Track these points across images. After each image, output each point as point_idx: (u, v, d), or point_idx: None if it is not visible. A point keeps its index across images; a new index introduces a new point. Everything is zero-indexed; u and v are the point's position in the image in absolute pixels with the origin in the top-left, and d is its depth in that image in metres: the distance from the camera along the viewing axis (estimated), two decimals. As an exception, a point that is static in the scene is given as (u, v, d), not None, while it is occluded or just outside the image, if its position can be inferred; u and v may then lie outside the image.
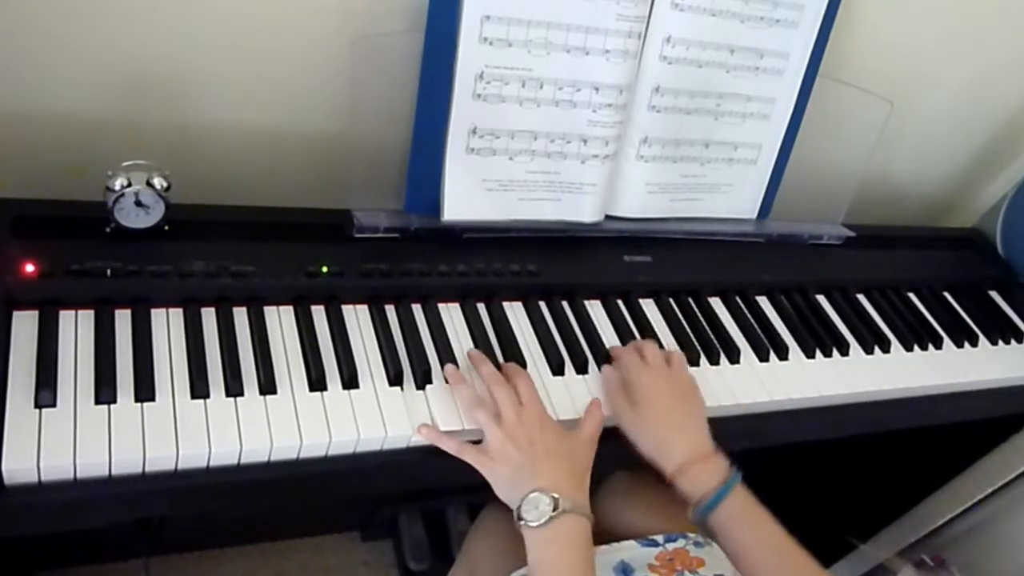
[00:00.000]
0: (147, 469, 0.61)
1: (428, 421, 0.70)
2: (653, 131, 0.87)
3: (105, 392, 0.63)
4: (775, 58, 0.89)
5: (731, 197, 0.98)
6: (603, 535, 0.89)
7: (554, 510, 0.62)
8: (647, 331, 0.86)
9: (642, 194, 0.91)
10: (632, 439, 0.74)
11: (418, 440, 0.69)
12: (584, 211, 0.88)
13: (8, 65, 0.74)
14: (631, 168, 0.89)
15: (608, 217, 0.91)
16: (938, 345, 1.01)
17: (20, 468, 0.57)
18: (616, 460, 0.73)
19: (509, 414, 0.68)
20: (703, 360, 0.86)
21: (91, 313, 0.68)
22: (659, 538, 0.83)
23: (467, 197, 0.82)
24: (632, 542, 0.83)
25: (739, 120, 0.92)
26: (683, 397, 0.77)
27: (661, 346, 0.83)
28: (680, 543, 0.83)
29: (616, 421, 0.75)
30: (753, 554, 0.70)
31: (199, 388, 0.65)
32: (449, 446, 0.68)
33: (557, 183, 0.85)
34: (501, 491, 0.66)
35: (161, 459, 0.61)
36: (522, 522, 0.63)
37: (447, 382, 0.72)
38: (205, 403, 0.65)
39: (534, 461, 0.65)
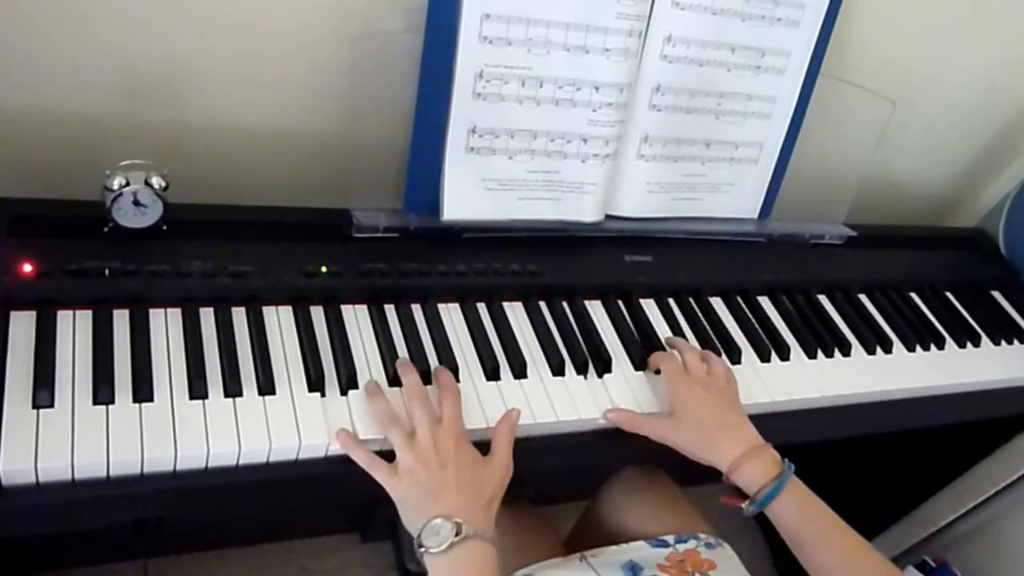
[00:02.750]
0: (145, 470, 0.60)
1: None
2: (654, 130, 0.87)
3: (103, 392, 0.62)
4: (776, 57, 0.89)
5: (732, 196, 0.97)
6: (609, 533, 0.89)
7: (456, 535, 0.60)
8: (647, 331, 0.86)
9: (643, 193, 0.91)
10: (679, 448, 0.73)
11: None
12: (584, 211, 0.88)
13: (6, 64, 0.73)
14: (632, 167, 0.89)
15: (608, 217, 0.91)
16: (940, 345, 1.01)
17: (18, 469, 0.57)
18: (625, 457, 0.72)
19: (424, 435, 0.64)
20: (704, 360, 0.85)
21: (89, 313, 0.68)
22: (670, 539, 0.83)
23: (467, 196, 0.82)
24: (642, 542, 0.82)
25: (740, 119, 0.91)
26: (722, 396, 0.76)
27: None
28: (691, 544, 0.82)
29: (659, 438, 0.74)
30: (815, 544, 0.70)
31: (197, 388, 0.65)
32: (360, 457, 0.65)
33: (557, 182, 0.85)
34: (405, 514, 0.64)
35: (159, 460, 0.60)
36: (422, 549, 0.60)
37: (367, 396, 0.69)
38: (204, 403, 0.65)
39: (441, 487, 0.62)
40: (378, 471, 0.65)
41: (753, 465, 0.71)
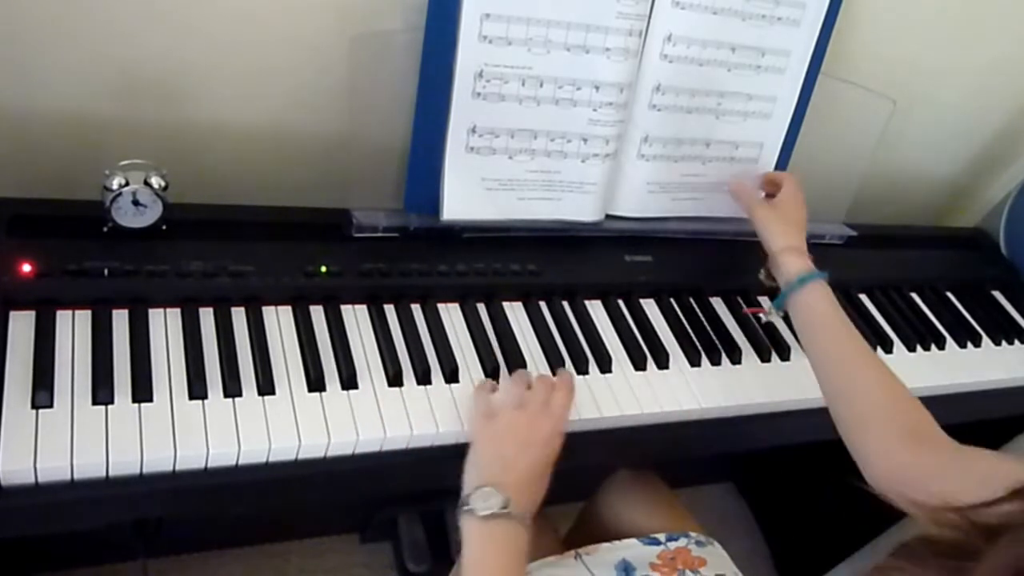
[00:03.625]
0: (145, 470, 0.60)
1: (428, 422, 0.69)
2: (654, 130, 0.87)
3: (102, 393, 0.62)
4: (777, 56, 0.89)
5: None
6: (605, 533, 0.89)
7: (502, 508, 0.61)
8: (648, 331, 0.86)
9: (643, 193, 0.91)
10: (759, 221, 0.84)
11: (417, 442, 0.69)
12: (585, 210, 0.88)
13: (4, 63, 0.73)
14: (632, 167, 0.89)
15: (609, 216, 0.91)
16: (941, 345, 1.00)
17: (17, 469, 0.57)
18: (621, 459, 0.72)
19: (533, 408, 0.68)
20: (704, 360, 0.85)
21: (88, 313, 0.68)
22: (661, 536, 0.83)
23: (467, 196, 0.82)
24: (634, 540, 0.83)
25: (740, 119, 0.91)
26: (804, 212, 0.85)
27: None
28: (682, 542, 0.83)
29: (749, 211, 0.86)
30: (824, 329, 0.74)
31: (197, 389, 0.65)
32: (479, 394, 0.70)
33: (557, 182, 0.84)
34: (472, 461, 0.65)
35: (159, 460, 0.60)
36: (467, 507, 0.61)
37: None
38: (203, 404, 0.65)
39: (514, 461, 0.64)
40: (480, 402, 0.69)
41: (794, 257, 0.78)
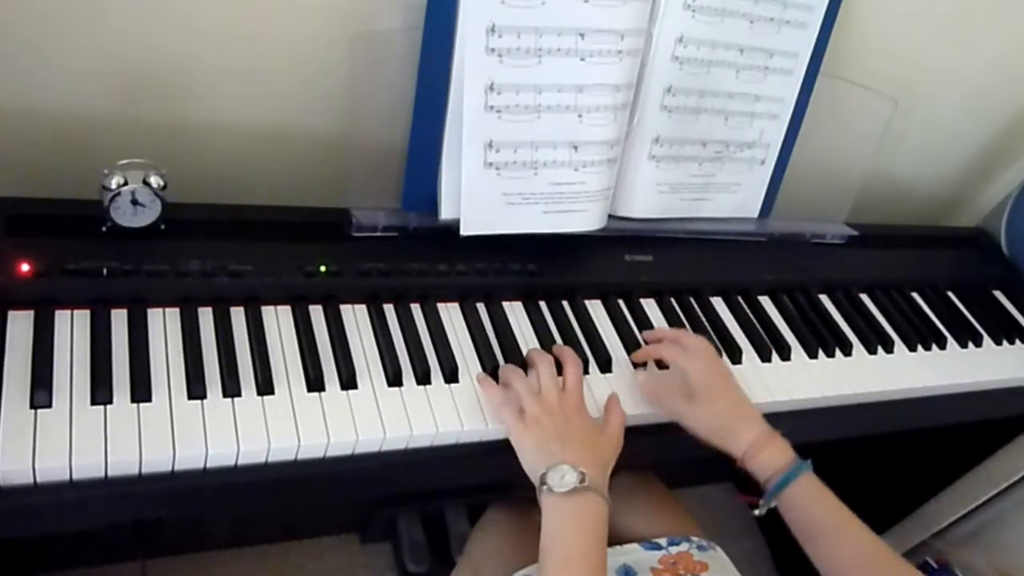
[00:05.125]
0: (144, 471, 0.60)
1: (428, 422, 0.69)
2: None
3: (101, 393, 0.62)
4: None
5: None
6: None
7: (580, 483, 0.62)
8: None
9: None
10: (694, 431, 0.74)
11: (416, 442, 0.68)
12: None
13: (2, 62, 0.73)
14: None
15: (610, 216, 0.91)
16: (942, 345, 1.00)
17: (16, 469, 0.57)
18: (620, 460, 0.72)
19: (550, 392, 0.69)
20: (705, 360, 0.85)
21: (87, 313, 0.67)
22: (662, 541, 0.83)
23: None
24: (635, 545, 0.82)
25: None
26: (730, 380, 0.77)
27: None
28: (684, 546, 0.82)
29: (675, 417, 0.75)
30: (828, 539, 0.70)
31: (196, 389, 0.65)
32: (493, 395, 0.71)
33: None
34: (526, 458, 0.67)
35: (158, 460, 0.60)
36: (545, 487, 0.63)
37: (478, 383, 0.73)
38: (202, 404, 0.64)
39: (567, 436, 0.66)
40: (507, 413, 0.69)
41: (769, 451, 0.72)
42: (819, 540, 0.70)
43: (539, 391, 0.70)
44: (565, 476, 0.63)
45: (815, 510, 0.70)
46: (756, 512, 0.73)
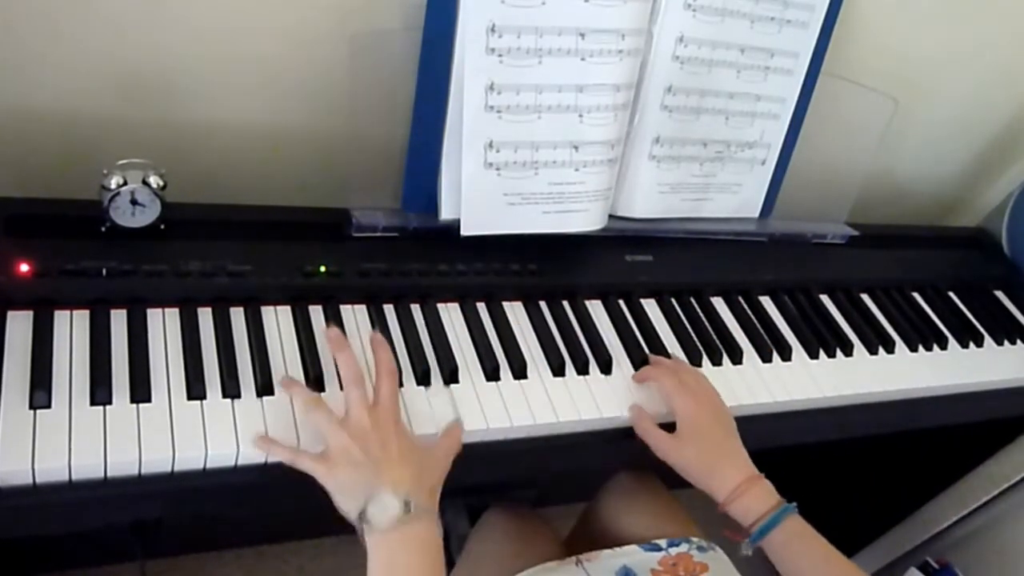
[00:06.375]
0: (143, 471, 0.60)
1: (427, 423, 0.69)
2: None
3: (101, 393, 0.62)
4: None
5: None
6: (605, 539, 0.89)
7: (405, 512, 0.57)
8: (649, 331, 0.85)
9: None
10: (679, 469, 0.72)
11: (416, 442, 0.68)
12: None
13: (2, 62, 0.73)
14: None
15: (610, 216, 0.90)
16: (943, 346, 1.00)
17: (15, 470, 0.56)
18: (621, 460, 0.72)
19: (359, 414, 0.61)
20: (705, 361, 0.85)
21: (86, 313, 0.67)
22: (662, 542, 0.83)
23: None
24: (635, 547, 0.82)
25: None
26: (720, 418, 0.75)
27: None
28: (684, 548, 0.82)
29: (661, 455, 0.73)
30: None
31: (195, 389, 0.65)
32: (281, 453, 0.61)
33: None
34: (342, 500, 0.59)
35: (157, 461, 0.60)
36: (367, 524, 0.57)
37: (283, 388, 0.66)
38: (202, 404, 0.64)
39: (385, 461, 0.59)
40: (304, 461, 0.60)
41: (751, 496, 0.70)
42: None
43: (344, 415, 0.62)
44: (388, 508, 0.56)
45: (800, 552, 0.69)
46: (742, 554, 0.72)
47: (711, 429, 0.73)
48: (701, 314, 0.90)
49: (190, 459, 0.61)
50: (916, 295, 1.07)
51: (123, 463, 0.59)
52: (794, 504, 0.71)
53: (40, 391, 0.60)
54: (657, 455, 0.73)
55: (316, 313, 0.74)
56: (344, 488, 0.60)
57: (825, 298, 1.00)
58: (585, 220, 0.85)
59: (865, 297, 1.03)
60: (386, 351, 0.66)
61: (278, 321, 0.73)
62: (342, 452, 0.60)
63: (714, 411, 0.75)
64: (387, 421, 0.62)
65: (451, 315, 0.79)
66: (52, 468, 0.57)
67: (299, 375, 0.69)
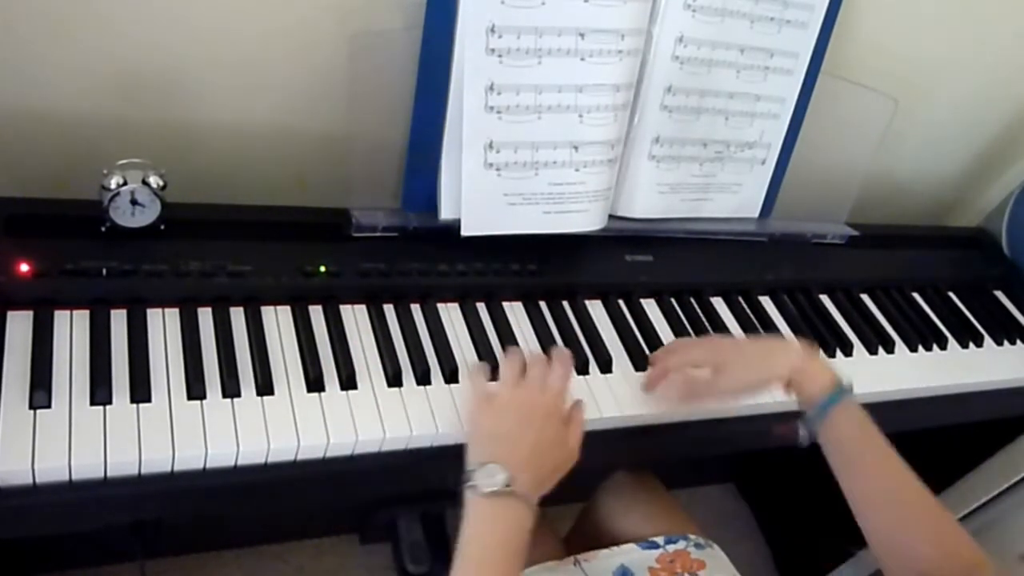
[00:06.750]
0: (143, 471, 0.60)
1: (427, 423, 0.69)
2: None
3: (100, 393, 0.62)
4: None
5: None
6: (603, 536, 0.89)
7: (506, 485, 0.60)
8: (649, 331, 0.85)
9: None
10: (737, 388, 0.74)
11: (416, 442, 0.68)
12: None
13: (2, 62, 0.73)
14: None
15: (610, 216, 0.90)
16: (943, 345, 1.00)
17: (15, 470, 0.56)
18: (619, 460, 0.72)
19: (531, 387, 0.67)
20: (705, 360, 0.85)
21: (86, 313, 0.67)
22: (659, 540, 0.83)
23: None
24: (632, 545, 0.82)
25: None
26: (749, 342, 0.81)
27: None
28: (681, 545, 0.83)
29: (716, 398, 0.74)
30: (855, 461, 0.67)
31: (195, 389, 0.65)
32: (476, 372, 0.70)
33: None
34: (472, 440, 0.65)
35: (157, 461, 0.60)
36: (470, 484, 0.60)
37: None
38: (201, 404, 0.64)
39: (517, 440, 0.63)
40: (478, 387, 0.68)
41: (816, 366, 0.71)
42: (850, 468, 0.67)
43: (521, 382, 0.67)
44: (494, 476, 0.60)
45: (857, 435, 0.68)
46: (799, 443, 0.71)
47: (740, 342, 0.79)
48: (701, 314, 0.90)
49: (190, 459, 0.61)
50: (916, 295, 1.07)
51: (123, 463, 0.59)
52: (849, 385, 0.69)
53: (40, 391, 0.60)
54: (719, 401, 0.75)
55: (316, 313, 0.74)
56: (478, 434, 0.65)
57: (825, 298, 1.00)
58: (585, 220, 0.85)
59: (865, 297, 1.03)
60: (567, 355, 0.71)
61: (278, 321, 0.73)
62: (502, 407, 0.66)
63: (731, 338, 0.79)
64: (545, 406, 0.66)
65: (451, 315, 0.79)
66: (52, 468, 0.57)
67: (299, 375, 0.69)
